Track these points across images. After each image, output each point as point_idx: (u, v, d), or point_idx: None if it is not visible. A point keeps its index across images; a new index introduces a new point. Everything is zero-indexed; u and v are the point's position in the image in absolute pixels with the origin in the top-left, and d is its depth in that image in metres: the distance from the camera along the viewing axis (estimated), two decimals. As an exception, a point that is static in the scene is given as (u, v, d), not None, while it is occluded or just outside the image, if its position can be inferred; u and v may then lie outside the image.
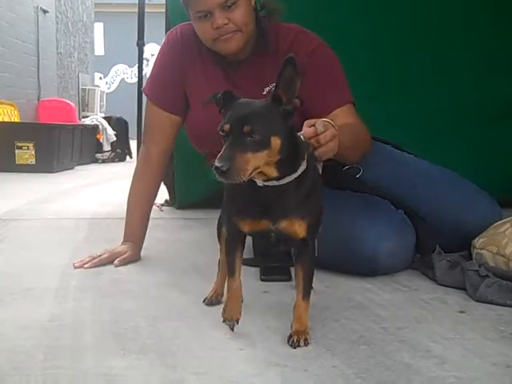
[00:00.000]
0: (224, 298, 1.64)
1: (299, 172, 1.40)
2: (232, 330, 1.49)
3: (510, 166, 3.24)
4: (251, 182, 1.38)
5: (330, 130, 1.55)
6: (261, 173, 1.36)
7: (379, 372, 1.27)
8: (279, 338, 1.47)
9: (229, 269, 1.53)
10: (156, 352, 1.38)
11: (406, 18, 3.26)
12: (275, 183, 1.39)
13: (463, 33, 3.21)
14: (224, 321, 1.50)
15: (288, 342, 1.43)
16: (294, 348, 1.41)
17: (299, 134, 1.49)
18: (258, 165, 1.32)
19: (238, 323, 1.49)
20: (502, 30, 3.23)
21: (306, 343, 1.42)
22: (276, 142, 1.32)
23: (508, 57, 3.26)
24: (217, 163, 1.27)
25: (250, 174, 1.31)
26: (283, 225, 1.43)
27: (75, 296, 1.84)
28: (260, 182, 1.39)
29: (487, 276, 1.82)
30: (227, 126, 1.32)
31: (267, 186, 1.40)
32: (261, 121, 1.32)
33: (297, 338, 1.42)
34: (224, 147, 1.30)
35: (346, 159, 2.08)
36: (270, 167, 1.35)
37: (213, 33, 2.03)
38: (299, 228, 1.43)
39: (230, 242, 1.53)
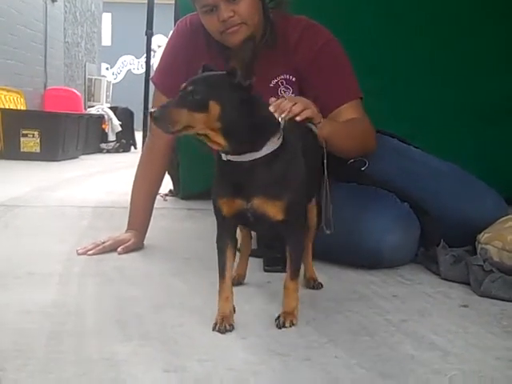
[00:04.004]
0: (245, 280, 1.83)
1: (266, 151, 1.42)
2: (223, 333, 1.42)
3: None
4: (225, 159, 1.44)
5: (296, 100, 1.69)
6: (211, 141, 1.41)
7: (382, 363, 1.26)
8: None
9: (219, 269, 1.51)
10: (159, 339, 1.38)
11: (412, 11, 3.24)
12: (238, 159, 1.42)
13: (471, 26, 3.20)
14: (215, 325, 1.44)
15: (275, 322, 1.47)
16: (279, 328, 1.44)
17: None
18: (193, 124, 1.37)
19: (231, 328, 1.44)
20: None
21: (291, 325, 1.45)
22: (215, 107, 1.36)
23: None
24: (152, 109, 1.37)
25: (181, 129, 1.37)
26: (256, 204, 1.44)
27: (78, 282, 1.84)
28: (224, 156, 1.43)
29: (491, 271, 1.82)
30: (183, 85, 1.41)
31: (233, 161, 1.42)
32: (205, 85, 1.39)
33: (283, 320, 1.46)
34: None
35: (343, 151, 2.06)
36: (216, 135, 1.39)
37: (219, 26, 2.03)
38: (273, 208, 1.44)
39: (220, 239, 1.52)
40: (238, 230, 1.80)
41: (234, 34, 2.03)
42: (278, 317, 1.48)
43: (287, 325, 1.45)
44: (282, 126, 1.48)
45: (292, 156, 1.48)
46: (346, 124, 2.06)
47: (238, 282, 1.81)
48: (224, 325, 1.43)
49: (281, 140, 1.45)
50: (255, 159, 1.41)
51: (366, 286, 1.86)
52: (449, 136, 3.23)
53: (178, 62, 2.24)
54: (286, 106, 1.66)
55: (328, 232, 1.71)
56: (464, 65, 3.25)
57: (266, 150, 1.42)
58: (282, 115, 1.60)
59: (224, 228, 1.52)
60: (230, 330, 1.43)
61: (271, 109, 1.59)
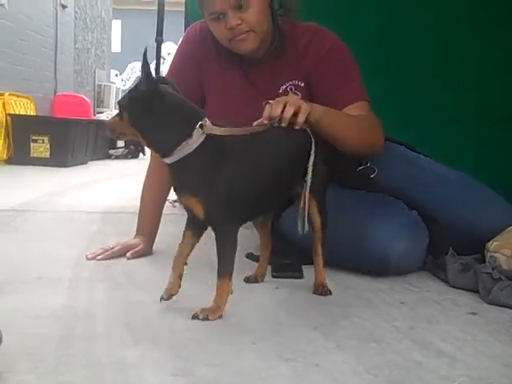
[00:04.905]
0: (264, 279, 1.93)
1: (181, 154, 1.54)
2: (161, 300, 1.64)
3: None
4: None
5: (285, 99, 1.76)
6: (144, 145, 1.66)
7: (390, 369, 1.27)
8: (290, 333, 1.47)
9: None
10: (167, 343, 1.39)
11: (414, 14, 3.25)
12: (165, 160, 1.58)
13: (475, 30, 3.18)
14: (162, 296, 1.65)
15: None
16: (192, 319, 1.54)
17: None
18: (121, 131, 1.61)
19: (169, 298, 1.64)
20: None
21: (204, 318, 1.54)
22: (125, 115, 1.58)
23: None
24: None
25: (118, 135, 1.65)
26: (183, 200, 1.60)
27: (87, 286, 1.85)
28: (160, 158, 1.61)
29: (500, 279, 1.82)
30: None
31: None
32: (125, 97, 1.59)
33: (197, 313, 1.55)
34: None
35: (343, 142, 2.00)
36: (140, 139, 1.59)
37: (227, 33, 2.04)
38: (194, 204, 1.56)
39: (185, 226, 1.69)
40: (260, 235, 1.91)
41: (242, 41, 2.04)
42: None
43: (200, 317, 1.54)
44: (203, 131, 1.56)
45: (214, 158, 1.56)
46: (343, 113, 2.06)
47: (255, 279, 1.92)
48: (165, 295, 1.65)
49: (198, 142, 1.54)
50: (176, 161, 1.55)
51: (373, 293, 1.86)
52: (453, 140, 3.21)
53: (187, 65, 2.25)
54: (275, 113, 1.72)
55: (300, 232, 1.75)
56: (468, 66, 3.24)
57: (181, 152, 1.54)
58: (282, 124, 1.71)
59: (188, 217, 1.66)
60: (167, 299, 1.64)
61: (264, 121, 1.71)
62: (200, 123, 1.55)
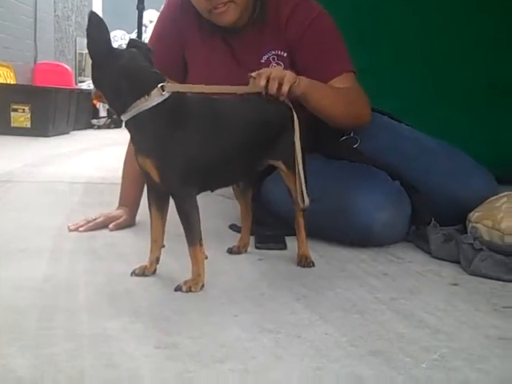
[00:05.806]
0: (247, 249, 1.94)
1: (135, 111, 1.54)
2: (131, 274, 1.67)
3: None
4: None
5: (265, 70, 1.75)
6: None
7: (372, 340, 1.27)
8: (273, 304, 1.48)
9: None
10: (150, 315, 1.38)
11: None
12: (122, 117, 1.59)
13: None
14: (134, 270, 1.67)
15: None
16: (175, 291, 1.54)
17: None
18: (96, 93, 1.64)
19: (141, 275, 1.66)
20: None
21: (188, 290, 1.53)
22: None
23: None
24: None
25: (99, 97, 1.64)
26: (139, 161, 1.57)
27: (69, 258, 1.84)
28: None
29: (481, 250, 1.82)
30: None
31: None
32: None
33: (180, 285, 1.55)
34: None
35: (330, 116, 2.04)
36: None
37: (206, 4, 2.01)
38: (150, 168, 1.54)
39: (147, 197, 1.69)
40: (240, 204, 1.91)
41: (222, 13, 2.02)
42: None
43: (184, 290, 1.53)
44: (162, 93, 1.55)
45: (172, 120, 1.55)
46: (329, 86, 2.05)
47: (238, 251, 1.92)
48: (139, 271, 1.67)
49: (155, 101, 1.53)
50: (129, 118, 1.55)
51: (356, 265, 1.86)
52: (436, 112, 3.21)
53: (168, 34, 2.23)
54: (260, 86, 1.71)
55: (302, 206, 1.75)
56: (461, 41, 3.23)
57: (135, 109, 1.53)
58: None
59: (147, 187, 1.67)
60: (138, 275, 1.66)
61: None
62: (161, 84, 1.54)
